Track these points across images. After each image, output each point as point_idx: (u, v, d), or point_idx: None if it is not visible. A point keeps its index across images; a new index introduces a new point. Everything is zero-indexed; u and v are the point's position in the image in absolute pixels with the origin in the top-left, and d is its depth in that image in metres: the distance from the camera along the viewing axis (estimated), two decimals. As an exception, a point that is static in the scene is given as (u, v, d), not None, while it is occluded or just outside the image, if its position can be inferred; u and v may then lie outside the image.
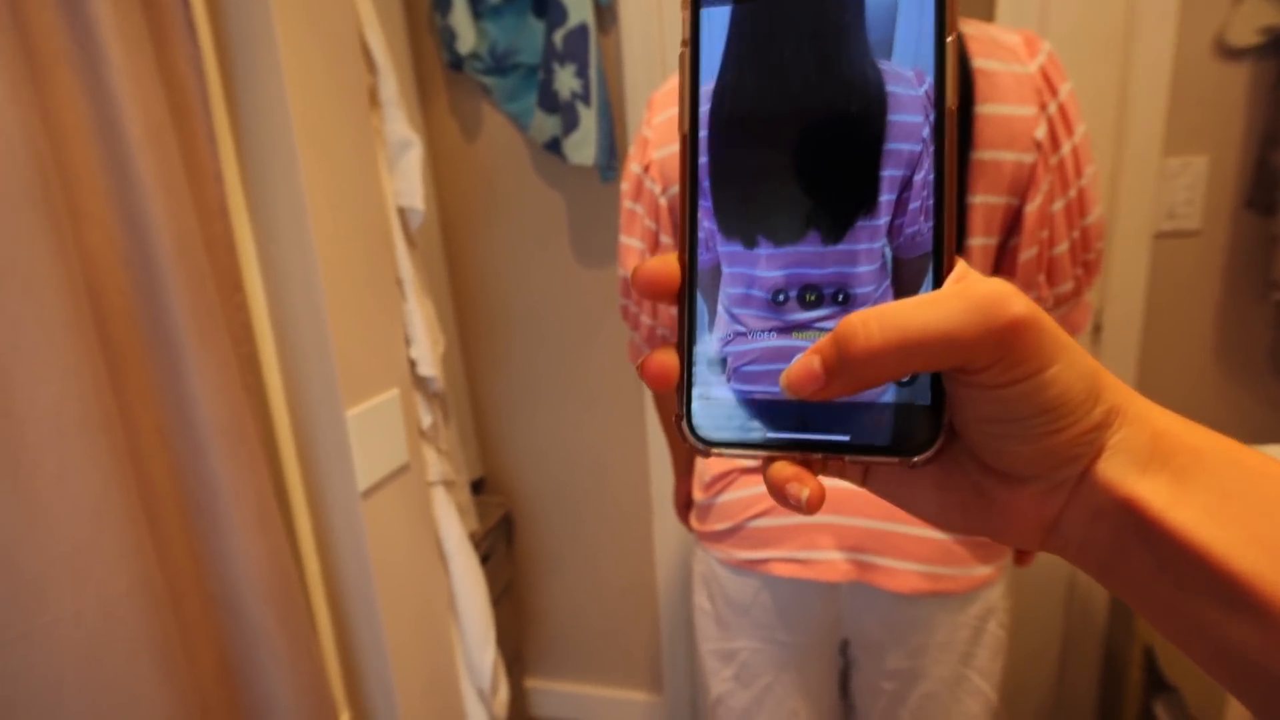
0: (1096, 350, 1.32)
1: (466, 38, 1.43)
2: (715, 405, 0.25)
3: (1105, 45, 1.20)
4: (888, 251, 0.24)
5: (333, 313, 0.88)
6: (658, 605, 1.67)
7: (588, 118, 1.32)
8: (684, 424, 0.25)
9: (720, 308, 0.25)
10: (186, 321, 0.72)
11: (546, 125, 1.41)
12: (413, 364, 1.07)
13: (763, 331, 0.25)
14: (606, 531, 1.69)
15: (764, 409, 0.25)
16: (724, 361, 0.25)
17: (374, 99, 1.02)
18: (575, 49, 1.32)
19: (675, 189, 0.79)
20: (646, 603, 1.69)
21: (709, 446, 0.25)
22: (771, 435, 0.24)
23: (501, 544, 1.65)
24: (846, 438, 0.24)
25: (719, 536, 0.83)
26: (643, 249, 0.84)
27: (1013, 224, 0.73)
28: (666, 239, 0.83)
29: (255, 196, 0.86)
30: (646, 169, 0.82)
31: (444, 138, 1.57)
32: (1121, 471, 0.22)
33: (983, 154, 0.68)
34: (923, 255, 0.23)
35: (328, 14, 0.88)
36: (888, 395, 0.23)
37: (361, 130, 0.95)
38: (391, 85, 1.01)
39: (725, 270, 0.25)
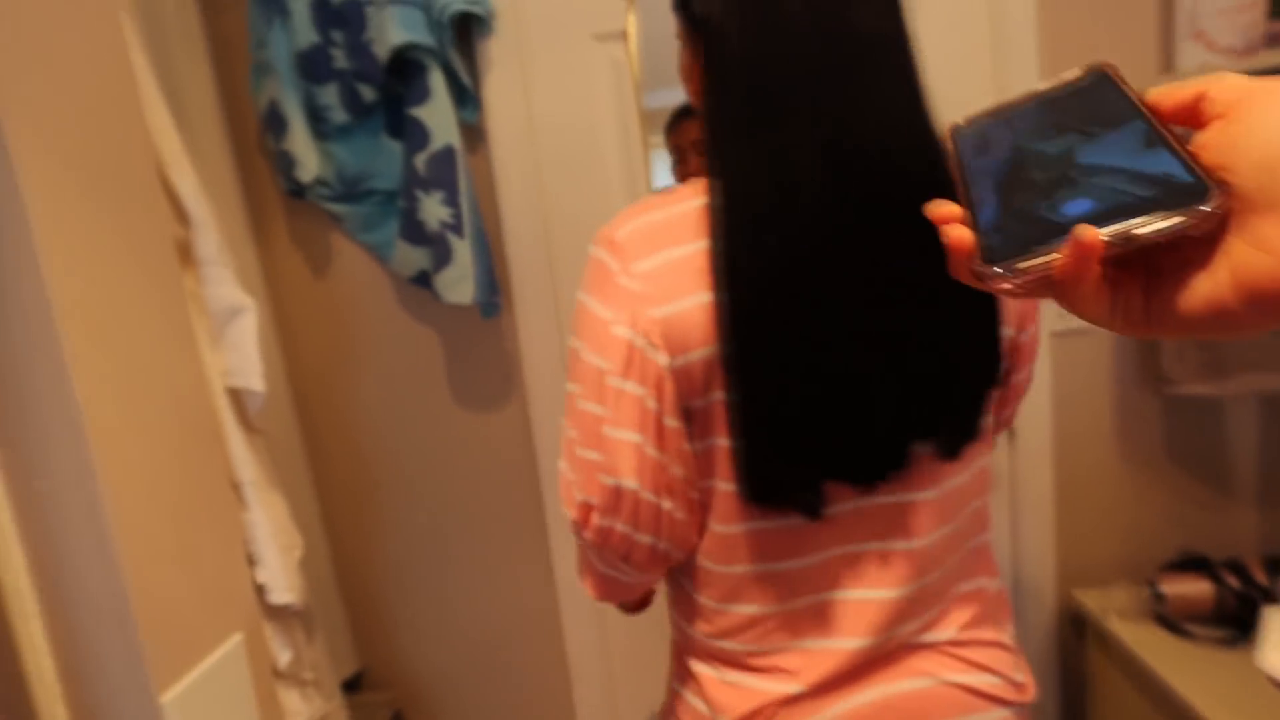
0: (1013, 451, 1.30)
1: (308, 164, 1.23)
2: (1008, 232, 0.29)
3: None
4: None
5: (132, 559, 0.63)
6: (587, 796, 1.42)
7: (462, 251, 1.15)
8: (983, 265, 0.28)
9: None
10: None
11: (413, 258, 1.23)
12: (261, 590, 0.82)
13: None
14: (516, 710, 1.43)
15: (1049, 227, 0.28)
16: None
17: (188, 257, 0.80)
18: (442, 174, 1.16)
19: (697, 353, 0.58)
20: (573, 794, 1.43)
21: (1013, 264, 0.28)
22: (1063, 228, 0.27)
23: (390, 758, 1.35)
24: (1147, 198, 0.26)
25: None
26: (641, 442, 0.59)
27: (1012, 354, 0.68)
28: (673, 423, 0.60)
29: (5, 419, 0.61)
30: (646, 334, 0.59)
31: (287, 276, 1.34)
32: None
33: None
34: None
35: (107, 157, 0.67)
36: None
37: (167, 301, 0.72)
38: (210, 239, 0.79)
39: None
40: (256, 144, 1.32)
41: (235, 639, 0.75)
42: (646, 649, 1.38)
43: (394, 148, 1.24)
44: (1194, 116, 0.28)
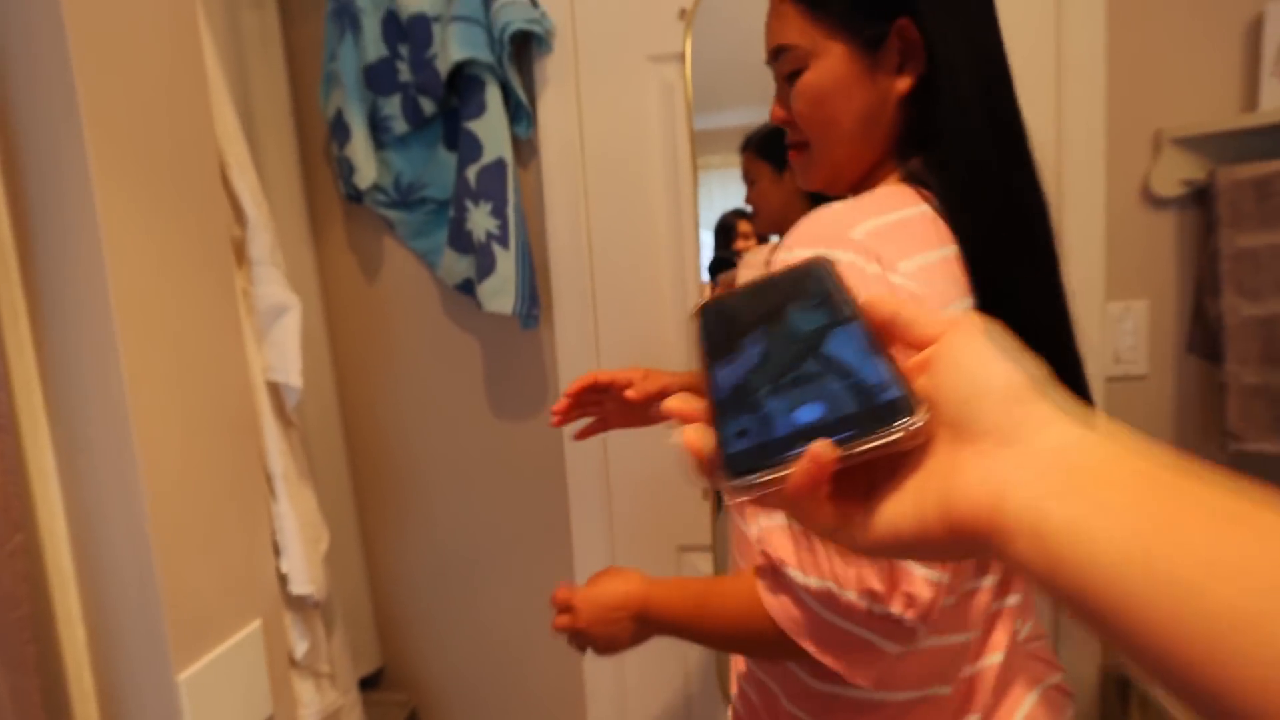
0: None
1: (367, 171, 1.28)
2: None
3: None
4: None
5: (161, 540, 0.66)
6: (595, 816, 1.40)
7: (505, 262, 1.18)
8: (722, 477, 0.27)
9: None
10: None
11: (458, 267, 1.26)
12: (284, 579, 0.84)
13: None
14: (531, 721, 1.43)
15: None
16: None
17: (242, 256, 0.83)
18: (491, 186, 1.19)
19: None
20: (581, 813, 1.42)
21: (748, 479, 0.26)
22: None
23: (403, 758, 1.36)
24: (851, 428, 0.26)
25: None
26: None
27: None
28: None
29: (58, 399, 0.64)
30: None
31: (341, 276, 1.39)
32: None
33: None
34: None
35: (176, 157, 0.71)
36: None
37: (218, 297, 0.76)
38: (264, 241, 0.83)
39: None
40: (322, 150, 1.38)
41: (254, 625, 0.77)
42: (659, 670, 1.36)
43: (448, 159, 1.28)
44: (890, 334, 0.29)
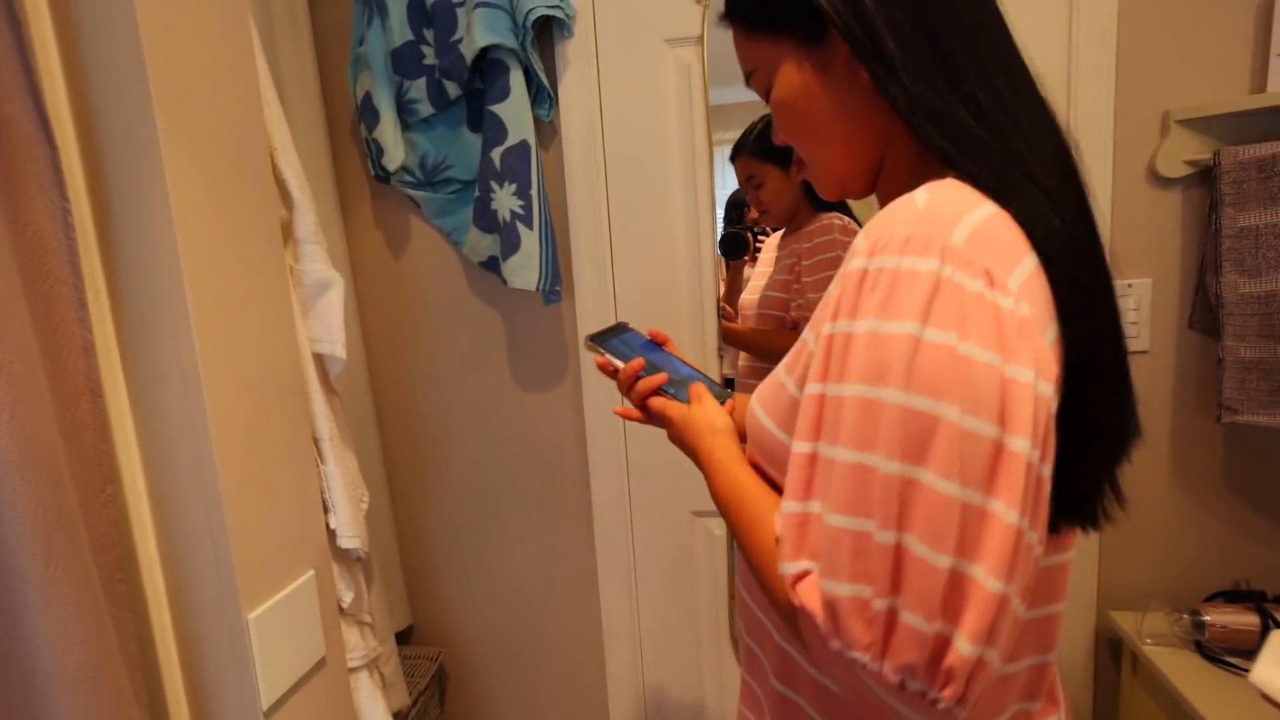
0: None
1: (395, 153, 1.33)
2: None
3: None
4: None
5: (229, 494, 0.73)
6: (613, 762, 1.50)
7: (529, 240, 1.23)
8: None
9: None
10: (25, 543, 0.56)
11: (483, 244, 1.31)
12: (332, 534, 0.91)
13: None
14: (553, 673, 1.52)
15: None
16: None
17: (288, 234, 0.89)
18: (516, 168, 1.24)
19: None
20: (600, 759, 1.51)
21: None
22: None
23: (434, 707, 1.45)
24: None
25: None
26: (1022, 527, 0.42)
27: None
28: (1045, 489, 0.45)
29: (135, 366, 0.71)
30: (1049, 377, 0.44)
31: (369, 254, 1.45)
32: None
33: None
34: None
35: (233, 146, 0.76)
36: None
37: (271, 274, 0.82)
38: (309, 220, 0.89)
39: None
40: (349, 130, 1.43)
41: (308, 574, 0.85)
42: (672, 620, 1.44)
43: (473, 140, 1.33)
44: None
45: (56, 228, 0.62)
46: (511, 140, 1.24)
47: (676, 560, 1.42)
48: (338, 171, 1.43)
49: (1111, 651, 1.32)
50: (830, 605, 0.44)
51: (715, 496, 0.62)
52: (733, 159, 1.35)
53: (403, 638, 1.52)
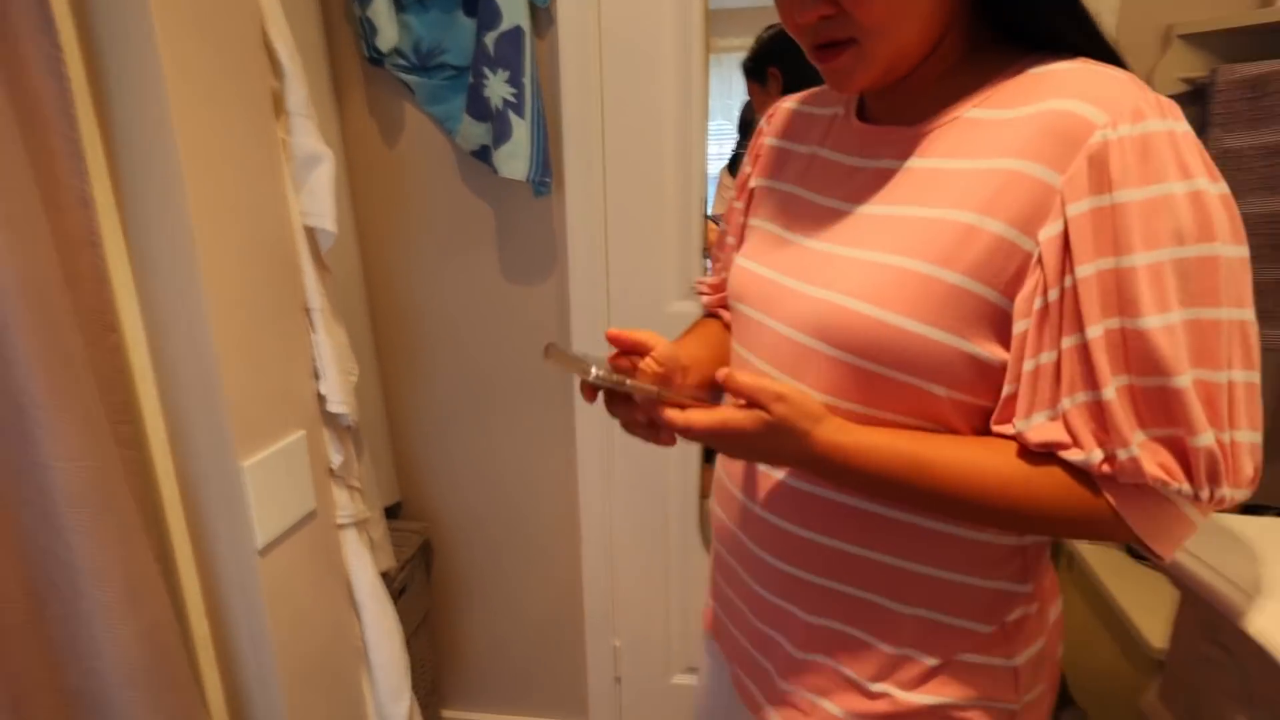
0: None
1: (388, 33, 1.31)
2: None
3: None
4: None
5: (222, 352, 0.78)
6: (584, 633, 1.62)
7: (520, 129, 1.24)
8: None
9: None
10: (34, 377, 0.61)
11: (475, 133, 1.32)
12: (321, 400, 0.97)
13: None
14: (530, 557, 1.62)
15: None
16: None
17: (279, 107, 0.91)
18: (509, 54, 1.23)
19: None
20: (571, 631, 1.63)
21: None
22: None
23: (420, 574, 1.56)
24: None
25: None
26: None
27: None
28: None
29: (133, 221, 0.74)
30: None
31: (362, 140, 1.45)
32: None
33: None
34: None
35: (221, 9, 0.77)
36: None
37: (262, 143, 0.84)
38: (299, 92, 0.90)
39: None
40: (342, 11, 1.41)
41: (299, 434, 0.91)
42: (641, 501, 1.53)
43: (467, 24, 1.31)
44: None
45: (48, 77, 0.64)
46: (505, 24, 1.22)
47: (652, 458, 1.49)
48: (331, 53, 1.41)
49: (1051, 551, 1.41)
50: (1211, 457, 0.47)
51: (872, 479, 0.54)
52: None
53: (391, 513, 1.61)
